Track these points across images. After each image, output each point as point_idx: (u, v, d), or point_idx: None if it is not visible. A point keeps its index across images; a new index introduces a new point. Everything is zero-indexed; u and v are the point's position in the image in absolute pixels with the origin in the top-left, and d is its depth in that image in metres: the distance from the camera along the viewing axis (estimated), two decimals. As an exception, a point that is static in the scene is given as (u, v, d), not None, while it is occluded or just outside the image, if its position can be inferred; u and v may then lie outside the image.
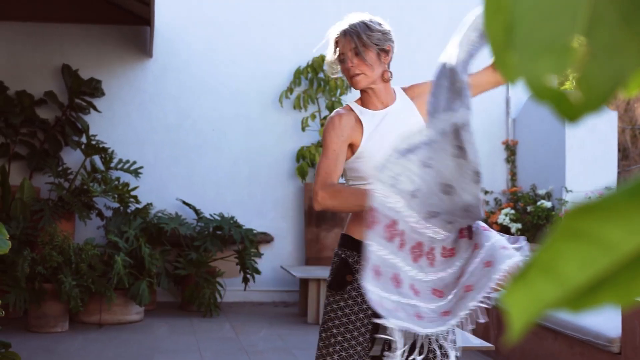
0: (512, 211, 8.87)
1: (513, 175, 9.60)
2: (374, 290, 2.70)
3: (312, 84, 9.17)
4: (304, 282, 8.01)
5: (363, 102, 3.41)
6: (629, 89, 0.56)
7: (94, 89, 8.76)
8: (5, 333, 6.35)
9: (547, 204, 8.51)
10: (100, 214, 8.39)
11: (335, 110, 3.41)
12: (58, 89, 8.87)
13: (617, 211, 0.53)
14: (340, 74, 3.42)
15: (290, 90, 9.17)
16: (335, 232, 8.68)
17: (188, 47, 9.18)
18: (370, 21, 3.36)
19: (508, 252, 2.83)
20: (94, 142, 8.50)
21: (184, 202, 8.76)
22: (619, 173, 9.52)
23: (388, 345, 3.06)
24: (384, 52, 3.34)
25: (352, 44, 3.32)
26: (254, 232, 8.43)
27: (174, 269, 8.26)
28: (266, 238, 8.98)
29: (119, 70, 9.08)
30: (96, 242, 7.78)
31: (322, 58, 9.05)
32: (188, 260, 8.08)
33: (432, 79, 2.83)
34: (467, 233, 3.01)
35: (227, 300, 8.84)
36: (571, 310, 0.54)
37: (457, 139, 2.98)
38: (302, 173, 8.97)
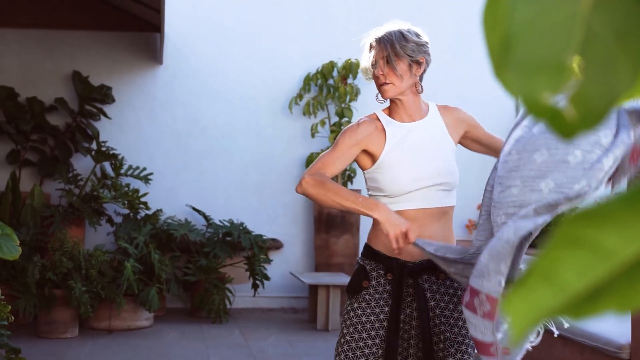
0: (522, 217, 8.85)
1: (523, 182, 9.59)
2: None
3: (322, 91, 9.18)
4: (314, 289, 8.01)
5: (391, 112, 3.37)
6: (627, 92, 0.57)
7: (105, 95, 8.79)
8: (15, 338, 6.37)
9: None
10: (110, 220, 8.41)
11: (360, 118, 3.40)
12: (68, 96, 8.90)
13: (615, 218, 0.54)
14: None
15: (299, 96, 9.18)
16: (344, 238, 8.67)
17: (198, 54, 9.20)
18: (408, 31, 3.31)
19: None
20: (104, 149, 8.52)
21: (194, 209, 8.77)
22: (630, 178, 9.48)
23: None
24: (417, 63, 3.29)
25: (384, 52, 3.28)
26: (264, 238, 8.44)
27: (183, 275, 8.27)
28: (275, 244, 8.99)
29: (129, 77, 9.11)
30: (106, 248, 7.80)
31: (331, 65, 9.06)
32: (197, 266, 8.09)
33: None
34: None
35: (237, 307, 8.85)
36: (571, 317, 0.55)
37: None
38: (311, 179, 8.97)
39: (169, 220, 8.51)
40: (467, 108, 9.91)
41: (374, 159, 3.31)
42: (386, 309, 3.25)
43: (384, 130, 3.32)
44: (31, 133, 8.67)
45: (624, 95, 0.56)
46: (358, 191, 8.84)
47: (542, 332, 3.01)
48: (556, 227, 0.55)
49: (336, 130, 8.83)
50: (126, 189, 8.30)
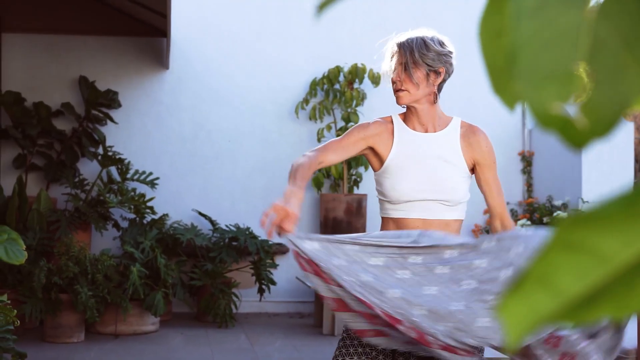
0: (529, 222, 8.84)
1: (529, 187, 9.58)
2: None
3: (328, 95, 9.18)
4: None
5: (405, 118, 3.36)
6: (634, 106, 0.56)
7: (111, 100, 8.80)
8: (21, 343, 6.38)
9: (564, 215, 8.48)
10: (116, 225, 8.41)
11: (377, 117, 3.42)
12: (75, 101, 8.91)
13: (611, 222, 0.53)
14: None
15: (306, 101, 9.17)
16: (350, 243, 8.66)
17: (204, 58, 9.21)
18: (432, 39, 3.27)
19: None
20: (110, 153, 8.52)
21: (200, 213, 8.77)
22: (635, 184, 9.48)
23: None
24: (435, 73, 3.25)
25: (403, 59, 3.25)
26: (270, 243, 8.43)
27: (189, 280, 8.27)
28: (282, 249, 8.98)
29: (135, 81, 9.12)
30: (112, 253, 7.80)
31: (337, 69, 9.06)
32: (203, 271, 8.09)
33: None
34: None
35: (243, 311, 8.84)
36: (568, 321, 0.54)
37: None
38: (317, 184, 8.97)
39: (175, 225, 8.50)
40: (472, 112, 9.90)
41: (381, 161, 3.32)
42: None
43: (393, 133, 3.32)
44: (38, 138, 8.68)
45: (635, 101, 0.55)
46: (364, 196, 8.85)
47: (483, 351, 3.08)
48: (552, 231, 0.55)
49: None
50: (132, 193, 8.30)
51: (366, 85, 9.21)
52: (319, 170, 8.94)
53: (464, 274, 2.99)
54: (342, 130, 8.96)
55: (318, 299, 8.09)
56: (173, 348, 7.11)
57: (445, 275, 2.99)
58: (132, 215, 8.48)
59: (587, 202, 8.39)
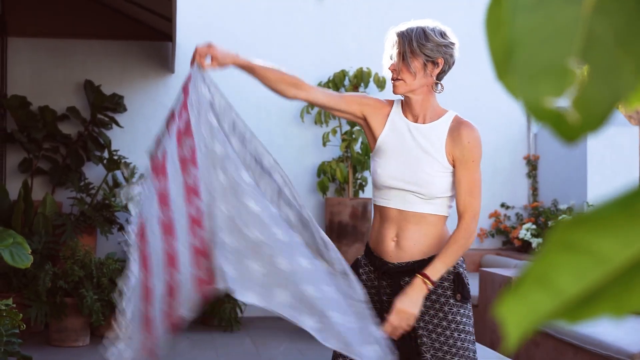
0: (534, 226, 8.84)
1: (534, 190, 9.57)
2: None
3: (333, 99, 9.17)
4: (325, 297, 7.99)
5: (403, 105, 3.40)
6: (630, 103, 0.57)
7: (116, 104, 8.81)
8: (26, 347, 6.39)
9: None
10: (121, 229, 8.42)
11: None
12: (80, 105, 8.93)
13: (609, 223, 0.54)
14: None
15: (311, 105, 9.17)
16: (356, 247, 8.66)
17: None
18: (433, 29, 3.28)
19: None
20: (115, 157, 8.54)
21: (205, 217, 8.77)
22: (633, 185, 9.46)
23: None
24: (433, 63, 3.26)
25: (401, 48, 3.26)
26: (275, 246, 8.42)
27: (194, 284, 8.27)
28: (287, 253, 8.98)
29: (141, 85, 9.13)
30: (117, 257, 7.81)
31: (342, 73, 9.07)
32: (209, 274, 8.09)
33: None
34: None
35: (248, 315, 8.84)
36: (567, 321, 0.55)
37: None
38: (323, 188, 8.97)
39: (181, 229, 8.51)
40: (478, 114, 9.92)
41: (375, 140, 3.38)
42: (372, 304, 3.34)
43: (388, 116, 3.37)
44: (43, 142, 8.70)
45: (626, 97, 0.56)
46: (369, 200, 8.85)
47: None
48: (550, 232, 0.56)
49: (347, 139, 8.83)
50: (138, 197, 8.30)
51: (371, 89, 9.22)
52: (324, 174, 8.92)
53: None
54: (347, 134, 8.97)
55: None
56: (178, 352, 7.12)
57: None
58: (138, 219, 8.48)
59: (592, 205, 8.38)
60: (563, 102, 0.56)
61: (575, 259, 0.54)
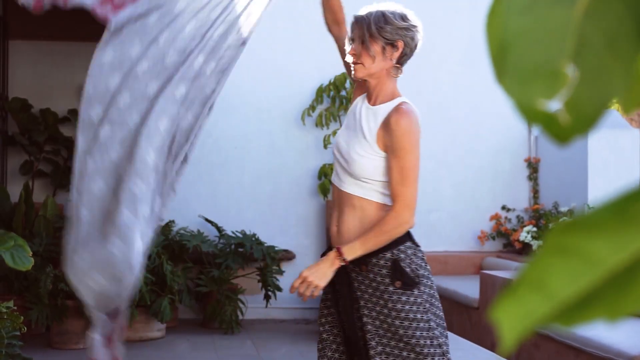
0: (534, 229, 8.84)
1: (535, 193, 9.57)
2: None
3: (334, 102, 9.19)
4: (326, 300, 7.99)
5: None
6: (626, 108, 0.57)
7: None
8: (27, 349, 6.39)
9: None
10: (122, 231, 8.41)
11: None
12: (82, 107, 8.93)
13: (602, 227, 0.54)
14: None
15: (312, 108, 9.18)
16: (356, 249, 8.66)
17: (210, 65, 9.22)
18: (392, 13, 3.29)
19: None
20: (117, 160, 8.53)
21: (206, 220, 8.78)
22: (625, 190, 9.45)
23: None
24: (392, 46, 3.28)
25: (360, 32, 3.30)
26: (276, 249, 8.44)
27: (195, 286, 8.28)
28: (288, 255, 8.99)
29: (142, 88, 9.13)
30: (118, 259, 7.80)
31: (344, 76, 9.07)
32: (210, 277, 8.09)
33: None
34: None
35: (249, 318, 8.85)
36: (562, 324, 0.55)
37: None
38: (324, 190, 8.97)
39: (182, 232, 8.52)
40: (479, 117, 9.90)
41: None
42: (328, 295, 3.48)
43: (359, 93, 3.51)
44: (44, 144, 8.71)
45: (617, 100, 0.56)
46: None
47: None
48: (545, 236, 0.56)
49: (348, 142, 8.83)
50: (139, 200, 8.30)
51: (372, 91, 9.22)
52: (325, 176, 8.92)
53: None
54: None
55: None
56: (179, 354, 7.12)
57: None
58: (139, 222, 8.48)
59: (593, 208, 8.38)
60: (555, 104, 0.56)
61: (569, 262, 0.54)
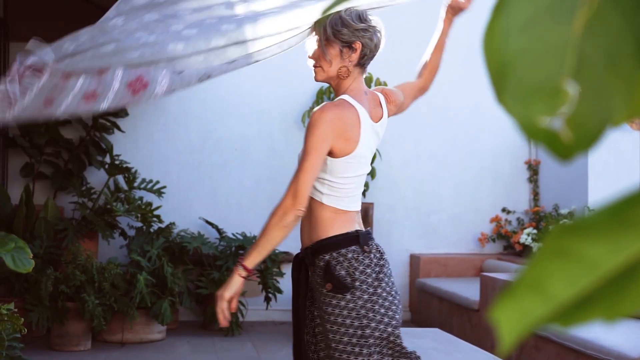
0: (535, 231, 8.84)
1: (535, 195, 9.58)
2: None
3: (334, 104, 9.18)
4: (326, 302, 8.00)
5: None
6: (618, 120, 0.58)
7: (118, 109, 8.82)
8: (28, 351, 6.40)
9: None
10: (123, 233, 8.43)
11: None
12: (82, 109, 8.93)
13: (600, 230, 0.55)
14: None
15: (312, 109, 9.18)
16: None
17: (211, 67, 9.22)
18: (350, 14, 3.27)
19: None
20: (117, 162, 8.55)
21: (207, 222, 8.79)
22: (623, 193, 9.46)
23: None
24: (349, 48, 3.27)
25: (317, 35, 3.30)
26: (276, 251, 8.44)
27: (196, 288, 8.28)
28: (288, 257, 8.99)
29: (142, 90, 9.13)
30: (119, 261, 7.82)
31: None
32: (210, 279, 8.10)
33: None
34: None
35: (249, 320, 8.85)
36: (560, 326, 0.56)
37: None
38: (324, 193, 8.97)
39: (182, 233, 8.52)
40: (480, 119, 9.87)
41: None
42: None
43: None
44: (45, 146, 8.71)
45: (618, 116, 0.57)
46: (370, 205, 8.86)
47: None
48: (544, 239, 0.57)
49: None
50: (139, 202, 8.32)
51: (372, 94, 9.22)
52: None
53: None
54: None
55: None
56: (179, 356, 7.13)
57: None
58: (139, 224, 8.50)
59: (593, 210, 8.38)
60: (556, 122, 0.57)
61: (567, 265, 0.55)
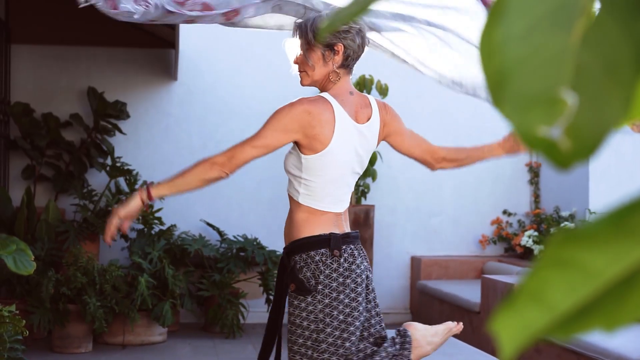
0: (536, 233, 8.84)
1: (536, 197, 9.58)
2: None
3: (335, 106, 9.19)
4: (327, 304, 7.99)
5: None
6: (619, 123, 0.58)
7: (119, 111, 8.83)
8: (29, 353, 6.40)
9: (571, 225, 8.46)
10: (124, 236, 8.42)
11: None
12: (83, 112, 8.95)
13: (599, 240, 0.55)
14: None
15: (313, 112, 9.18)
16: (358, 253, 8.66)
17: (213, 69, 9.24)
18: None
19: None
20: (118, 164, 8.55)
21: (208, 224, 8.79)
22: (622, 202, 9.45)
23: None
24: (331, 51, 3.26)
25: (299, 41, 3.30)
26: (277, 253, 8.44)
27: (197, 290, 8.28)
28: (289, 259, 8.99)
29: (143, 92, 9.15)
30: (120, 264, 7.82)
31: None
32: (211, 281, 8.10)
33: None
34: None
35: (250, 322, 8.85)
36: (560, 335, 0.56)
37: None
38: (325, 195, 8.97)
39: (183, 236, 8.52)
40: (479, 123, 9.88)
41: None
42: None
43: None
44: (46, 149, 8.72)
45: (617, 125, 0.57)
46: (371, 207, 8.86)
47: None
48: (543, 248, 0.57)
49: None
50: (140, 204, 8.30)
51: (374, 95, 9.22)
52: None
53: None
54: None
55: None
56: (180, 358, 7.13)
57: None
58: (140, 226, 8.50)
59: (594, 212, 8.38)
60: (555, 131, 0.57)
61: (566, 274, 0.55)
